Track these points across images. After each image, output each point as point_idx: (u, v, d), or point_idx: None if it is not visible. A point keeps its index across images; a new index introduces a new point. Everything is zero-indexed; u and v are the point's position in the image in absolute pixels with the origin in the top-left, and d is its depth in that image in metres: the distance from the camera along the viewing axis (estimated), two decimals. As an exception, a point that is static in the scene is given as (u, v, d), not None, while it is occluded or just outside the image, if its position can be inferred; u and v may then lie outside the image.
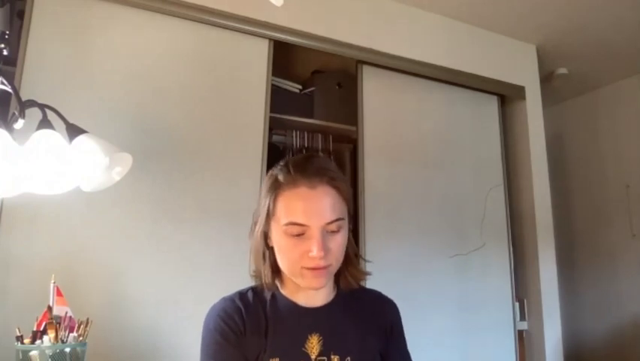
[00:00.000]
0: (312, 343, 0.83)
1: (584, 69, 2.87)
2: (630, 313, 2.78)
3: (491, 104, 2.52)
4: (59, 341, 1.13)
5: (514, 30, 2.51)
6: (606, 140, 3.06)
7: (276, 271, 0.87)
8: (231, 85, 1.86)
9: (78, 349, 1.14)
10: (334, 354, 0.82)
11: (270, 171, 0.87)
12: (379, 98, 2.20)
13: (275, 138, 2.24)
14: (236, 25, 1.87)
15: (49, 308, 1.16)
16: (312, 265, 0.80)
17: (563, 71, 2.86)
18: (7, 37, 1.56)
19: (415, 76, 2.28)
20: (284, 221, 0.80)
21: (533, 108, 2.59)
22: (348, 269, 0.91)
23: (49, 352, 1.10)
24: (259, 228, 0.86)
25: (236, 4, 1.87)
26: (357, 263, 0.93)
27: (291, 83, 2.26)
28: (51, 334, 1.12)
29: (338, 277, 0.91)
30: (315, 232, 0.79)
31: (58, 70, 1.59)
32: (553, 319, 2.39)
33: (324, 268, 0.81)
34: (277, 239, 0.83)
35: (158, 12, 1.76)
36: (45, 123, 1.21)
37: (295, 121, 2.19)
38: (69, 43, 1.62)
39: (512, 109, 2.63)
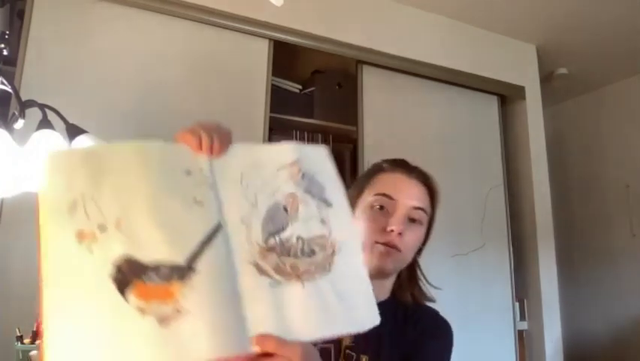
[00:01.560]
0: None
1: (584, 69, 2.87)
2: (630, 313, 2.78)
3: (491, 104, 2.52)
4: (59, 341, 1.12)
5: (514, 30, 2.51)
6: (606, 140, 3.06)
7: None
8: (231, 85, 1.86)
9: (78, 349, 1.14)
10: (363, 354, 0.83)
11: (373, 164, 0.97)
12: (379, 98, 2.20)
13: (275, 138, 2.24)
14: (236, 25, 1.87)
15: (49, 308, 1.16)
16: (385, 239, 0.83)
17: (563, 71, 2.86)
18: (7, 37, 1.56)
19: (415, 76, 2.28)
20: (374, 192, 0.87)
21: (533, 108, 2.59)
22: (413, 285, 0.94)
23: (49, 352, 1.09)
24: None
25: (236, 4, 1.87)
26: (422, 283, 0.96)
27: (291, 83, 2.26)
28: (51, 334, 1.12)
29: (399, 289, 0.93)
30: (399, 207, 0.85)
31: (58, 70, 1.59)
32: (553, 319, 2.39)
33: (396, 248, 0.84)
34: (359, 215, 0.88)
35: (158, 12, 1.76)
36: (45, 123, 1.21)
37: (295, 121, 2.19)
38: (69, 43, 1.62)
39: (512, 109, 2.63)
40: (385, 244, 0.84)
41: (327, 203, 0.65)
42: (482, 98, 2.48)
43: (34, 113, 1.24)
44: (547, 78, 2.84)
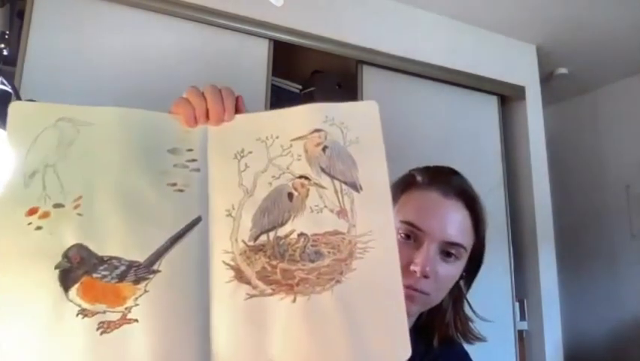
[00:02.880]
0: None
1: (584, 69, 2.87)
2: (630, 314, 2.77)
3: (491, 104, 2.51)
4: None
5: (514, 30, 2.51)
6: (606, 140, 3.06)
7: None
8: (231, 85, 1.86)
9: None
10: None
11: (408, 171, 0.78)
12: (379, 99, 2.17)
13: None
14: (236, 25, 1.87)
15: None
16: (407, 282, 0.65)
17: (562, 71, 2.86)
18: (7, 37, 1.56)
19: (415, 76, 2.28)
20: (400, 217, 0.69)
21: (533, 108, 2.58)
22: (456, 320, 0.77)
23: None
24: None
25: (236, 4, 1.87)
26: (466, 315, 0.80)
27: (291, 83, 2.25)
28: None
29: (434, 322, 0.76)
30: (429, 241, 0.67)
31: (58, 70, 1.59)
32: (553, 319, 2.39)
33: (419, 292, 0.67)
34: None
35: (158, 12, 1.76)
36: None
37: (295, 121, 2.19)
38: (69, 43, 1.62)
39: (512, 109, 2.63)
40: (406, 287, 0.65)
41: (355, 186, 0.50)
42: (482, 98, 2.48)
43: (34, 113, 1.24)
44: (547, 78, 2.84)
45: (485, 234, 0.75)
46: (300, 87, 2.28)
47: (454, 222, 0.69)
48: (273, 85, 2.00)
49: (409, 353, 0.44)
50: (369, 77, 2.19)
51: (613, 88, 3.04)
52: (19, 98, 1.24)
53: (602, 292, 2.94)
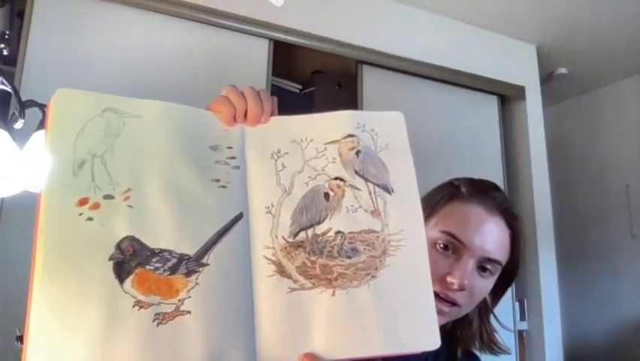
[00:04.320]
0: None
1: (584, 69, 2.87)
2: (630, 314, 2.77)
3: (491, 104, 2.52)
4: (59, 341, 1.12)
5: (514, 30, 2.51)
6: (606, 140, 3.06)
7: None
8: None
9: (78, 349, 1.14)
10: None
11: (449, 180, 0.80)
12: (379, 99, 2.20)
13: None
14: (236, 25, 1.87)
15: (49, 308, 1.16)
16: (443, 291, 0.67)
17: (562, 71, 2.86)
18: (7, 37, 1.56)
19: (415, 76, 2.28)
20: (441, 227, 0.70)
21: (533, 108, 2.58)
22: (482, 333, 0.79)
23: (49, 352, 1.09)
24: None
25: (236, 4, 1.87)
26: (492, 327, 0.82)
27: (291, 83, 2.25)
28: (51, 334, 1.11)
29: (459, 332, 0.77)
30: (469, 254, 0.68)
31: (58, 70, 1.59)
32: (554, 319, 2.39)
33: (452, 304, 0.68)
34: None
35: (158, 12, 1.76)
36: (45, 123, 1.21)
37: (295, 121, 2.19)
38: (69, 43, 1.62)
39: (512, 109, 2.63)
40: (441, 298, 0.67)
41: (387, 189, 0.54)
42: (482, 98, 2.48)
43: (34, 113, 1.24)
44: (547, 78, 2.84)
45: (523, 253, 0.77)
46: (300, 87, 2.28)
47: (495, 238, 0.71)
48: (273, 85, 2.00)
49: (437, 343, 0.48)
50: (369, 77, 2.19)
51: (613, 88, 3.04)
52: (19, 98, 1.24)
53: (602, 292, 2.94)
